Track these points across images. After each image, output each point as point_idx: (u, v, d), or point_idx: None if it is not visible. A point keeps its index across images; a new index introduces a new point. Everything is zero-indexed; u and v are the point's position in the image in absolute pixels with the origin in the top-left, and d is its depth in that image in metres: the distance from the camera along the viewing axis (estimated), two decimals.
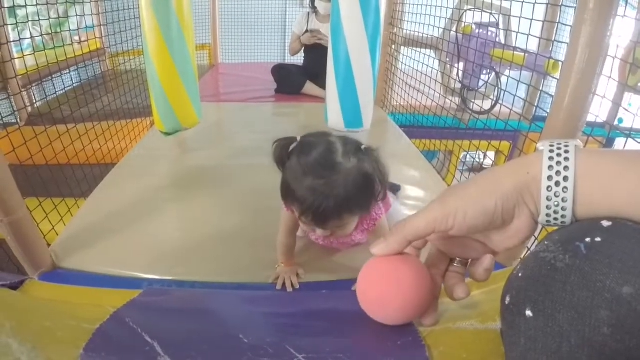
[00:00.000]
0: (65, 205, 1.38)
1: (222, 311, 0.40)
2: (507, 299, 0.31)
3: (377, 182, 0.78)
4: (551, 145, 0.36)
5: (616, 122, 2.34)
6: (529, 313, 0.28)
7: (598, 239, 0.27)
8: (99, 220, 1.26)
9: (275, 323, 0.38)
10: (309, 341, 0.34)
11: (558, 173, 0.34)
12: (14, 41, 2.03)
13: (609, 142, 2.43)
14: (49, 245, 1.10)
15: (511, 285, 0.32)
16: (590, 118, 0.88)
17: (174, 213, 1.34)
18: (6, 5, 2.11)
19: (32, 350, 0.34)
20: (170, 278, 1.04)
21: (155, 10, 1.31)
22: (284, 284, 0.97)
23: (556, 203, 0.34)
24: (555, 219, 0.35)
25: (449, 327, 0.39)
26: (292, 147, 0.82)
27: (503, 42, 2.29)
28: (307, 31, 2.75)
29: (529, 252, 0.34)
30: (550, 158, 0.35)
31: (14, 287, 0.48)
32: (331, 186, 0.73)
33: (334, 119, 1.62)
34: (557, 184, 0.34)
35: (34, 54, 1.52)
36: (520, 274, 0.32)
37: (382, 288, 0.40)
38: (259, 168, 1.59)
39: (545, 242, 0.31)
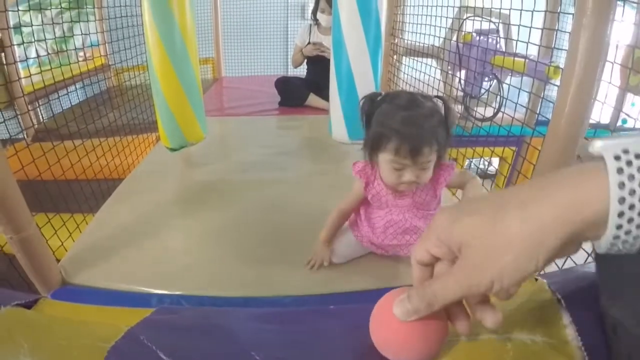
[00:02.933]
0: (74, 221, 1.39)
1: (233, 328, 0.40)
2: None
3: (448, 123, 0.90)
4: (617, 159, 0.27)
5: (619, 123, 2.33)
6: None
7: None
8: (107, 236, 1.27)
9: (286, 339, 0.38)
10: (317, 357, 0.35)
11: (632, 192, 0.27)
12: (20, 61, 2.06)
13: None
14: (58, 261, 1.11)
15: None
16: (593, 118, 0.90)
17: (181, 228, 1.35)
18: (12, 24, 2.14)
19: None
20: (178, 293, 1.05)
21: (158, 27, 1.34)
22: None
23: (627, 231, 0.27)
24: (624, 247, 0.29)
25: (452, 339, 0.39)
26: (379, 98, 0.94)
27: (504, 49, 2.30)
28: (309, 43, 2.77)
29: None
30: (621, 185, 0.27)
31: (28, 306, 0.48)
32: (421, 116, 0.86)
33: (338, 131, 1.63)
34: (632, 207, 0.27)
35: (40, 72, 1.54)
36: None
37: (400, 341, 0.37)
38: (264, 183, 1.61)
39: None
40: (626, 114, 1.17)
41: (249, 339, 0.37)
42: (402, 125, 0.85)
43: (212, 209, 1.43)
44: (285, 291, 1.05)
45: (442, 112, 0.90)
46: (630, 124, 2.40)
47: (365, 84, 1.54)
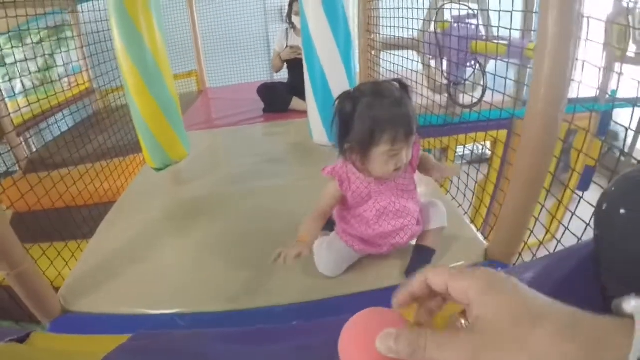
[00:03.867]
0: (69, 249, 1.42)
1: (204, 352, 0.44)
2: (604, 206, 0.41)
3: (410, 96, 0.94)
4: None
5: (609, 94, 2.34)
6: (622, 211, 0.38)
7: None
8: (102, 261, 1.30)
9: (240, 358, 0.42)
10: None
11: None
12: (8, 97, 2.09)
13: (605, 115, 2.40)
14: (57, 290, 1.15)
15: (607, 196, 0.41)
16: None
17: (175, 246, 1.37)
18: None
19: None
20: (178, 311, 1.07)
21: (129, 52, 1.36)
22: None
23: None
24: None
25: None
26: (353, 95, 0.94)
27: (483, 33, 2.31)
28: (287, 47, 2.80)
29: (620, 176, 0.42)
30: None
31: (21, 340, 0.52)
32: (398, 99, 0.89)
33: (318, 134, 1.66)
34: None
35: (28, 104, 1.57)
36: (613, 188, 0.41)
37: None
38: (253, 192, 1.64)
39: (631, 170, 0.40)
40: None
41: None
42: (392, 112, 0.88)
43: (204, 224, 1.45)
44: (282, 300, 1.07)
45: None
46: (621, 94, 2.40)
47: (340, 85, 1.57)
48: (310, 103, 1.65)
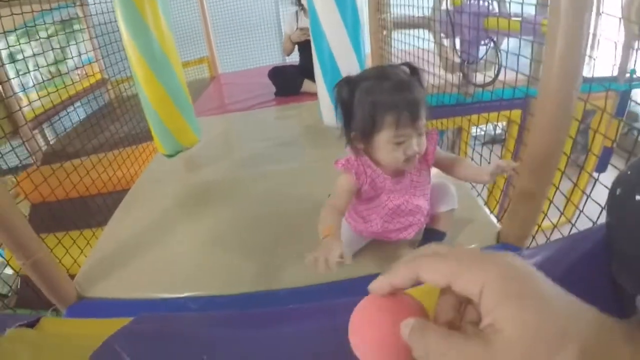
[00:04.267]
0: (84, 237, 1.45)
1: (196, 334, 0.44)
2: (618, 191, 0.39)
3: (421, 81, 0.88)
4: None
5: (628, 74, 2.25)
6: (638, 198, 0.36)
7: None
8: (117, 247, 1.32)
9: (240, 343, 0.42)
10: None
11: None
12: (22, 91, 2.13)
13: (624, 95, 2.32)
14: (73, 277, 1.17)
15: (621, 180, 0.39)
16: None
17: (189, 231, 1.39)
18: (7, 54, 2.21)
19: None
20: (190, 295, 1.09)
21: (136, 42, 1.37)
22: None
23: None
24: None
25: None
26: (352, 80, 0.89)
27: (497, 10, 2.24)
28: (297, 29, 2.77)
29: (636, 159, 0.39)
30: None
31: (31, 325, 0.53)
32: (403, 80, 0.84)
33: (328, 116, 1.65)
34: None
35: (45, 95, 1.59)
36: (628, 172, 0.38)
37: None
38: (265, 176, 1.65)
39: None
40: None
41: (204, 343, 0.41)
42: (394, 95, 0.81)
43: (217, 209, 1.46)
44: (293, 283, 1.07)
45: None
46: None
47: (349, 66, 1.54)
48: (320, 85, 1.64)
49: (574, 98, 0.85)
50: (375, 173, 0.93)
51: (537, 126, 0.91)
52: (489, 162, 1.51)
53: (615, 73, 2.01)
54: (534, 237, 1.10)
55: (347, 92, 0.87)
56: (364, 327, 0.37)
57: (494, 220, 1.22)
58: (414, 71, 0.88)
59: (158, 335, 0.45)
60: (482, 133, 2.64)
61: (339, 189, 0.95)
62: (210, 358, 0.37)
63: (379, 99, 0.82)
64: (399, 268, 0.32)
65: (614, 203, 0.39)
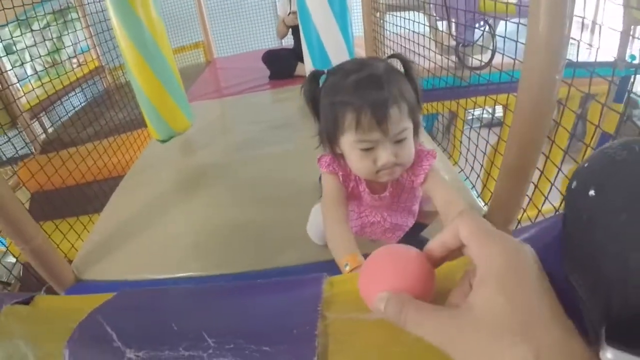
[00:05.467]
0: (81, 223, 1.49)
1: (166, 304, 0.48)
2: (574, 184, 0.38)
3: (412, 78, 0.75)
4: None
5: (628, 60, 2.22)
6: (591, 193, 0.35)
7: None
8: (113, 231, 1.37)
9: (203, 312, 0.46)
10: (222, 327, 0.41)
11: None
12: (20, 80, 2.15)
13: (625, 81, 2.30)
14: (71, 261, 1.22)
15: (578, 173, 0.38)
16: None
17: (184, 214, 1.42)
18: (4, 45, 2.22)
19: (34, 347, 0.45)
20: (183, 275, 1.13)
21: (126, 30, 1.39)
22: None
23: None
24: None
25: (351, 317, 0.42)
26: (322, 76, 0.79)
27: None
28: (290, 12, 2.76)
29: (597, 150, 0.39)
30: None
31: (26, 302, 0.57)
32: (375, 74, 0.70)
33: None
34: None
35: (41, 85, 1.61)
36: (586, 165, 0.37)
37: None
38: (260, 158, 1.68)
39: (609, 144, 0.37)
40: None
41: (175, 313, 0.45)
42: (356, 89, 0.69)
43: (211, 192, 1.50)
44: (285, 263, 1.11)
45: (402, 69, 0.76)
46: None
47: (337, 49, 1.56)
48: (309, 69, 1.65)
49: (557, 82, 0.84)
50: (357, 181, 0.83)
51: (519, 110, 0.91)
52: (487, 141, 1.48)
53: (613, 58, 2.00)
54: (519, 222, 1.10)
55: (313, 88, 0.78)
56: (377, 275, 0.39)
57: (482, 203, 1.24)
58: (406, 65, 0.76)
59: (134, 307, 0.49)
60: (478, 116, 2.64)
61: (330, 193, 0.83)
62: (177, 325, 0.41)
63: (339, 97, 0.71)
64: (448, 227, 0.36)
65: (569, 197, 0.38)
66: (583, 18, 0.87)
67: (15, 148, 1.48)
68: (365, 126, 0.68)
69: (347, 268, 0.70)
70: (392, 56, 0.78)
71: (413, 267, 0.37)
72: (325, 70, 0.79)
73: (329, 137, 0.76)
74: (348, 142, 0.72)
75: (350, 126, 0.70)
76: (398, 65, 0.77)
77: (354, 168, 0.77)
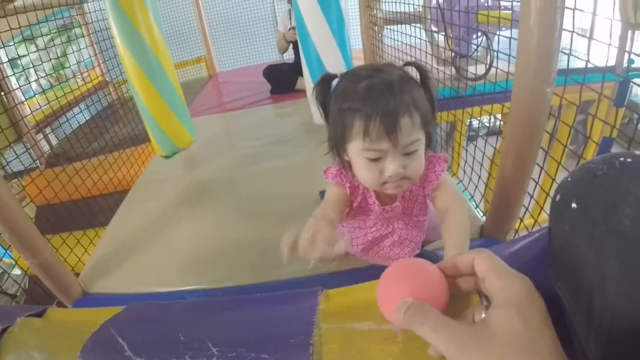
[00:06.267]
0: (87, 237, 1.52)
1: (174, 317, 0.51)
2: (558, 197, 0.40)
3: (428, 88, 0.72)
4: None
5: (626, 64, 2.24)
6: (574, 205, 0.37)
7: (629, 160, 0.36)
8: (119, 245, 1.40)
9: (207, 323, 0.48)
10: (225, 337, 0.44)
11: None
12: (27, 99, 2.19)
13: (624, 85, 2.31)
14: (78, 275, 1.25)
15: (562, 187, 0.40)
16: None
17: (188, 229, 1.45)
18: (9, 58, 2.27)
19: (48, 358, 0.48)
20: (187, 289, 1.15)
21: (129, 48, 1.44)
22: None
23: None
24: None
25: (344, 327, 0.45)
26: (335, 79, 0.76)
27: (488, 3, 2.26)
28: (290, 28, 2.81)
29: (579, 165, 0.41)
30: None
31: (39, 315, 0.60)
32: (388, 81, 0.66)
33: (318, 115, 1.69)
34: None
35: (47, 103, 1.65)
36: (569, 179, 0.40)
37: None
38: (262, 173, 1.71)
39: (592, 159, 0.39)
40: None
41: (180, 323, 0.48)
42: (366, 95, 0.66)
43: (215, 206, 1.53)
44: (287, 275, 1.12)
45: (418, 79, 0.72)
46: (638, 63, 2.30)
47: (335, 64, 1.58)
48: (308, 84, 1.69)
49: (549, 94, 0.86)
50: (367, 192, 0.79)
51: (512, 122, 0.93)
52: (484, 153, 1.50)
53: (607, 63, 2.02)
54: (517, 231, 1.12)
55: (324, 92, 0.76)
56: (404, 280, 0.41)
57: (480, 214, 1.26)
58: (422, 73, 0.72)
59: (143, 318, 0.52)
60: (478, 126, 2.66)
61: (329, 197, 0.80)
62: (183, 335, 0.44)
63: (348, 102, 0.68)
64: (465, 255, 0.40)
65: (554, 209, 0.40)
66: (572, 32, 0.89)
67: (22, 164, 1.52)
68: (373, 135, 0.65)
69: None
70: (409, 64, 0.74)
71: (432, 281, 0.40)
72: (338, 74, 0.76)
73: (337, 144, 0.73)
74: (355, 150, 0.70)
75: (358, 134, 0.67)
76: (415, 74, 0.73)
77: (360, 177, 0.74)
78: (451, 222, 0.76)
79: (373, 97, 0.65)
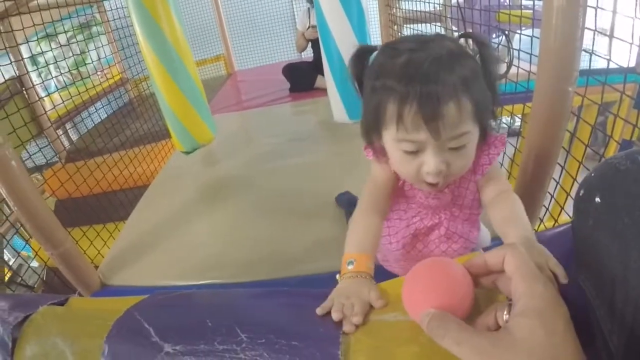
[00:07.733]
0: (107, 230, 1.54)
1: (200, 304, 0.51)
2: (582, 192, 0.41)
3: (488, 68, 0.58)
4: None
5: None
6: (597, 199, 0.38)
7: None
8: (138, 239, 1.41)
9: (235, 310, 0.48)
10: (254, 324, 0.44)
11: None
12: (47, 95, 2.23)
13: None
14: (97, 267, 1.26)
15: (585, 182, 0.41)
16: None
17: (207, 224, 1.45)
18: (30, 55, 2.31)
19: (72, 344, 0.49)
20: (207, 282, 1.15)
21: (151, 44, 1.45)
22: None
23: None
24: None
25: (372, 319, 0.45)
26: (365, 51, 0.65)
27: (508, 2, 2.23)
28: (310, 27, 2.81)
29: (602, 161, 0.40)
30: None
31: (61, 304, 0.61)
32: (433, 57, 0.53)
33: (338, 113, 1.68)
34: None
35: (69, 98, 1.68)
36: (593, 174, 0.40)
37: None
38: (280, 171, 1.71)
39: (615, 155, 0.39)
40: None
41: (207, 310, 0.48)
42: (404, 72, 0.53)
43: (233, 202, 1.53)
44: (307, 271, 1.12)
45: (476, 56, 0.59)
46: None
47: None
48: (329, 82, 1.68)
49: (570, 94, 0.84)
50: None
51: (533, 123, 0.92)
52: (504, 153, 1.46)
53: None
54: (536, 232, 1.10)
55: (359, 68, 0.64)
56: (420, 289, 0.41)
57: None
58: (480, 45, 0.59)
59: (169, 305, 0.52)
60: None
61: (375, 178, 0.69)
62: (211, 321, 0.44)
63: (382, 80, 0.56)
64: (495, 251, 0.39)
65: (577, 204, 0.41)
66: (594, 30, 0.86)
67: (44, 157, 1.55)
68: (408, 123, 0.53)
69: (350, 267, 0.57)
70: (464, 35, 0.62)
71: (456, 284, 0.40)
72: (378, 47, 0.64)
73: (368, 130, 0.62)
74: (390, 139, 0.58)
75: (391, 119, 0.55)
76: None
77: (397, 169, 0.64)
78: (514, 209, 0.62)
79: (410, 75, 0.53)
